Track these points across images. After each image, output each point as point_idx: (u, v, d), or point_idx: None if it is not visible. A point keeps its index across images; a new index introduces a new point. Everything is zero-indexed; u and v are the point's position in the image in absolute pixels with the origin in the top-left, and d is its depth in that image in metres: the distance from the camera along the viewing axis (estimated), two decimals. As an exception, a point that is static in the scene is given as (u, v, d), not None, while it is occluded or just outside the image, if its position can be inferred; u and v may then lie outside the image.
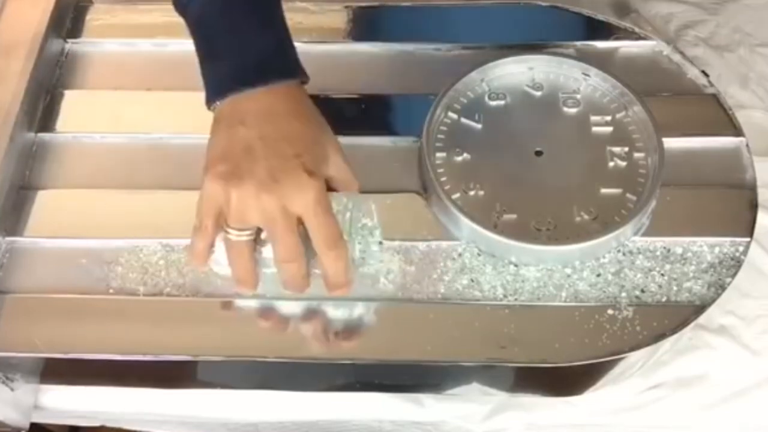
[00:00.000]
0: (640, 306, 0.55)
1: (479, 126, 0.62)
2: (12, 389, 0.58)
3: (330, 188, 0.51)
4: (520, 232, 0.57)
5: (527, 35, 0.69)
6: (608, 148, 0.60)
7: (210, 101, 0.52)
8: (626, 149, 0.60)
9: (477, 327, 0.55)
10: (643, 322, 0.54)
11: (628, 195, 0.58)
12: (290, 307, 0.56)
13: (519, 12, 0.71)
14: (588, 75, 0.64)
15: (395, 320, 0.56)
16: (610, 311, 0.55)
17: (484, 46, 0.68)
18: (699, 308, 0.55)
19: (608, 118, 0.62)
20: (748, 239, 0.57)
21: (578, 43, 0.68)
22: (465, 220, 0.57)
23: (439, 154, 0.60)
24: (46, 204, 0.61)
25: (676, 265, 0.57)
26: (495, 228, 0.56)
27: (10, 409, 0.59)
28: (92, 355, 0.55)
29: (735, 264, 0.57)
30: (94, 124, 0.65)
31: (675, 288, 0.56)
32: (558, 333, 0.54)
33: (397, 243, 0.57)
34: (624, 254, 0.57)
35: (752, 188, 0.60)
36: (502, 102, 0.63)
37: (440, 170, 0.59)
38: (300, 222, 0.49)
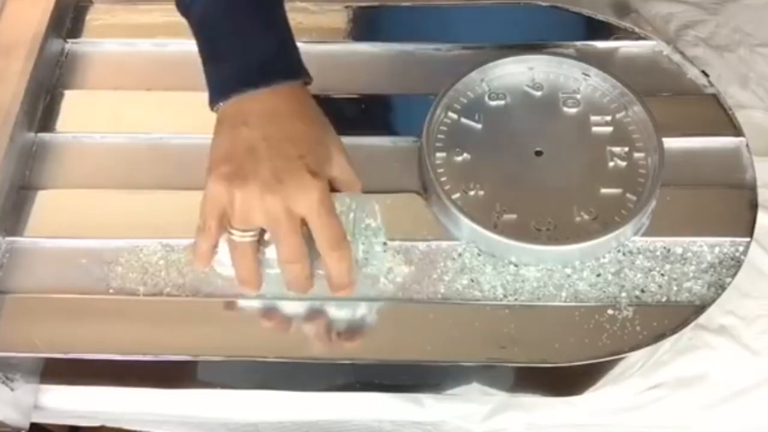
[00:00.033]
0: (640, 306, 0.55)
1: (479, 126, 0.62)
2: (12, 389, 0.58)
3: (333, 189, 0.51)
4: (520, 232, 0.57)
5: (527, 35, 0.69)
6: (608, 148, 0.60)
7: (213, 102, 0.52)
8: (626, 149, 0.60)
9: (477, 327, 0.55)
10: (643, 322, 0.54)
11: (628, 195, 0.58)
12: (290, 308, 0.56)
13: (519, 12, 0.71)
14: (588, 75, 0.64)
15: (395, 320, 0.56)
16: (610, 311, 0.55)
17: (484, 46, 0.68)
18: (699, 308, 0.55)
19: (608, 118, 0.62)
20: (748, 239, 0.57)
21: (578, 43, 0.68)
22: (465, 220, 0.57)
23: (439, 154, 0.60)
24: (46, 204, 0.61)
25: (676, 265, 0.57)
26: (495, 228, 0.56)
27: (10, 409, 0.59)
28: (92, 355, 0.55)
29: (735, 264, 0.57)
30: (94, 124, 0.65)
31: (675, 288, 0.56)
32: (558, 333, 0.54)
33: (397, 243, 0.57)
34: (624, 254, 0.57)
35: (752, 188, 0.60)
36: (502, 102, 0.63)
37: (440, 170, 0.59)
38: (303, 223, 0.49)
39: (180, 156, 0.63)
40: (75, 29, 0.70)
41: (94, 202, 0.61)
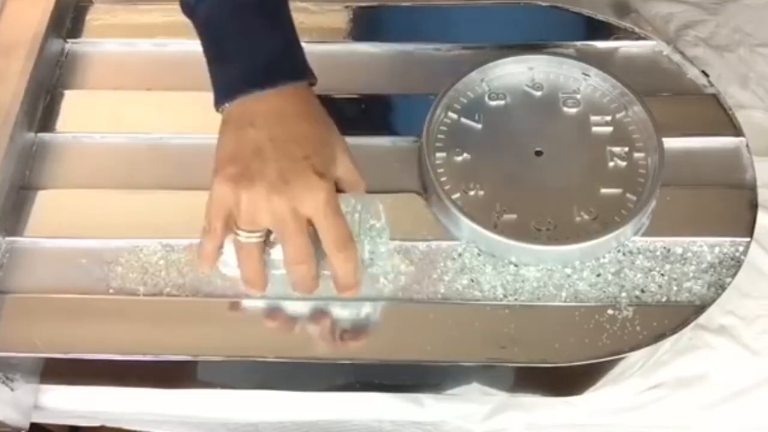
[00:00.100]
0: (640, 306, 0.55)
1: (479, 126, 0.62)
2: (12, 389, 0.58)
3: (338, 189, 0.51)
4: (520, 232, 0.57)
5: (527, 35, 0.69)
6: (608, 148, 0.60)
7: (219, 103, 0.52)
8: (626, 149, 0.60)
9: (477, 327, 0.55)
10: (643, 322, 0.54)
11: (628, 195, 0.58)
12: (290, 308, 0.56)
13: (519, 12, 0.71)
14: (588, 75, 0.64)
15: (395, 320, 0.56)
16: (610, 311, 0.55)
17: (484, 46, 0.68)
18: (699, 308, 0.55)
19: (608, 118, 0.62)
20: (748, 239, 0.57)
21: (578, 43, 0.68)
22: (465, 220, 0.57)
23: (439, 154, 0.60)
24: (46, 204, 0.61)
25: (676, 265, 0.57)
26: (495, 228, 0.56)
27: (10, 409, 0.59)
28: (92, 355, 0.55)
29: (735, 264, 0.57)
30: (94, 124, 0.65)
31: (675, 288, 0.56)
32: (558, 333, 0.54)
33: (397, 243, 0.57)
34: (624, 254, 0.57)
35: (752, 188, 0.60)
36: (502, 102, 0.63)
37: (440, 170, 0.59)
38: (309, 223, 0.49)
39: (180, 156, 0.63)
40: (75, 29, 0.70)
41: (94, 202, 0.61)
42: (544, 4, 0.70)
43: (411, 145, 0.62)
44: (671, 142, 0.60)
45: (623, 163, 0.60)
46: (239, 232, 0.50)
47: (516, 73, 0.64)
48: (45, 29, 0.66)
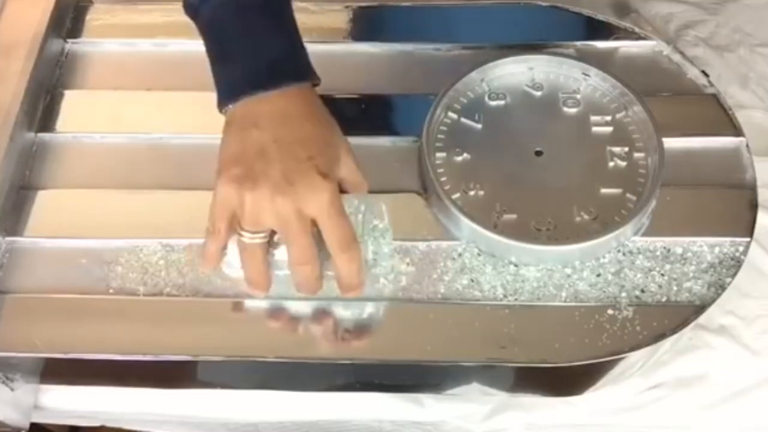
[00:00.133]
0: (640, 306, 0.55)
1: (479, 126, 0.62)
2: (12, 389, 0.58)
3: (341, 190, 0.51)
4: (520, 232, 0.57)
5: (527, 35, 0.69)
6: (608, 148, 0.60)
7: (222, 104, 0.52)
8: (626, 149, 0.60)
9: (477, 327, 0.55)
10: (643, 322, 0.54)
11: (628, 195, 0.58)
12: (290, 308, 0.56)
13: (519, 12, 0.71)
14: (588, 75, 0.64)
15: (395, 320, 0.56)
16: (610, 311, 0.55)
17: (484, 46, 0.68)
18: (699, 308, 0.55)
19: (608, 118, 0.62)
20: (748, 239, 0.57)
21: (578, 43, 0.68)
22: (465, 220, 0.57)
23: (439, 154, 0.60)
24: (46, 204, 0.61)
25: (676, 265, 0.57)
26: (495, 228, 0.56)
27: (10, 409, 0.59)
28: (92, 355, 0.55)
29: (735, 264, 0.57)
30: (94, 124, 0.65)
31: (675, 288, 0.56)
32: (558, 333, 0.54)
33: (397, 243, 0.57)
34: (624, 254, 0.57)
35: (752, 188, 0.60)
36: (502, 102, 0.63)
37: (440, 170, 0.59)
38: (313, 224, 0.49)
39: (180, 156, 0.63)
40: (75, 29, 0.70)
41: (94, 202, 0.61)
42: (544, 4, 0.70)
43: (411, 145, 0.62)
44: (671, 142, 0.60)
45: (623, 163, 0.60)
46: (243, 233, 0.50)
47: (516, 73, 0.64)
48: (45, 29, 0.66)
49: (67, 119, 0.65)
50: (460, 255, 0.57)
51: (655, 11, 0.80)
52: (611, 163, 0.60)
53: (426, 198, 0.60)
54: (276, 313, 0.56)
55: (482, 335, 0.54)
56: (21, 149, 0.62)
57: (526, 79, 0.64)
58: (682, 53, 0.67)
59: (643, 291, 0.56)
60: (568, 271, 0.57)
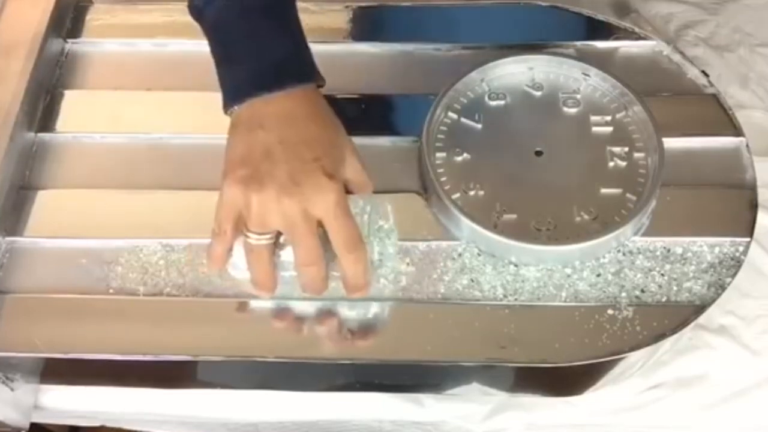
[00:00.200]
0: (640, 306, 0.55)
1: (479, 126, 0.62)
2: (12, 389, 0.58)
3: (346, 190, 0.51)
4: (520, 232, 0.57)
5: (527, 35, 0.69)
6: (608, 148, 0.60)
7: (227, 105, 0.52)
8: (626, 149, 0.60)
9: (477, 327, 0.55)
10: (643, 322, 0.54)
11: (628, 195, 0.58)
12: (291, 308, 0.56)
13: (519, 12, 0.71)
14: (588, 75, 0.64)
15: (395, 320, 0.56)
16: (610, 311, 0.55)
17: (484, 46, 0.68)
18: (699, 308, 0.55)
19: (608, 118, 0.62)
20: (748, 239, 0.57)
21: (578, 43, 0.68)
22: (465, 220, 0.57)
23: (439, 154, 0.60)
24: (46, 204, 0.61)
25: (676, 265, 0.57)
26: (495, 228, 0.56)
27: (10, 409, 0.59)
28: (92, 355, 0.55)
29: (735, 264, 0.57)
30: (94, 124, 0.65)
31: (675, 288, 0.56)
32: (558, 333, 0.54)
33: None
34: (624, 254, 0.57)
35: (752, 188, 0.60)
36: (502, 102, 0.63)
37: (440, 170, 0.59)
38: (319, 225, 0.49)
39: (180, 156, 0.63)
40: (75, 29, 0.70)
41: (94, 202, 0.61)
42: (544, 4, 0.70)
43: (411, 145, 0.62)
44: (671, 142, 0.60)
45: (623, 163, 0.60)
46: (249, 234, 0.50)
47: (516, 73, 0.64)
48: (45, 29, 0.66)
49: (67, 119, 0.65)
50: (460, 255, 0.57)
51: (655, 11, 0.80)
52: (611, 163, 0.60)
53: (426, 198, 0.60)
54: (276, 313, 0.56)
55: (482, 335, 0.54)
56: (21, 149, 0.62)
57: (526, 79, 0.64)
58: (682, 53, 0.67)
59: (643, 291, 0.56)
60: (568, 271, 0.57)
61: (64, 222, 0.60)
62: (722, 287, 0.56)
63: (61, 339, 0.55)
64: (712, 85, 0.65)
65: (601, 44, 0.68)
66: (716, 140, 0.62)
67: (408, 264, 0.57)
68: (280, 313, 0.56)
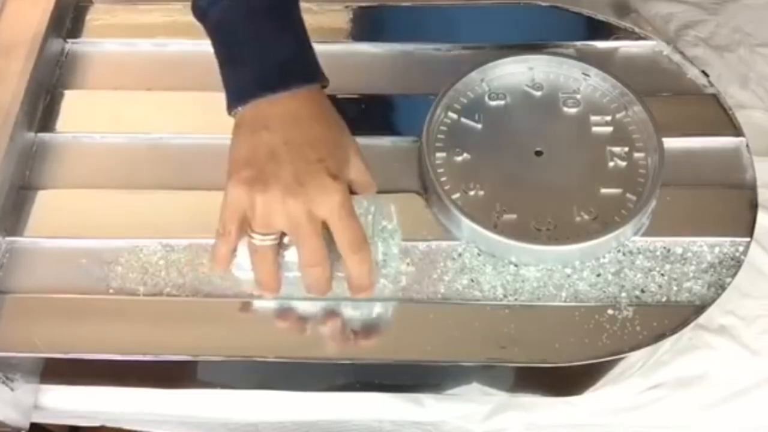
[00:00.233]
0: (640, 306, 0.55)
1: (479, 126, 0.62)
2: (12, 389, 0.58)
3: (350, 191, 0.51)
4: (520, 232, 0.57)
5: (527, 35, 0.69)
6: (608, 148, 0.60)
7: (231, 106, 0.52)
8: (626, 149, 0.60)
9: (477, 327, 0.55)
10: (643, 322, 0.54)
11: (628, 195, 0.58)
12: (291, 308, 0.56)
13: (519, 12, 0.71)
14: (588, 75, 0.64)
15: (395, 320, 0.56)
16: (610, 311, 0.55)
17: (484, 46, 0.68)
18: (699, 308, 0.55)
19: (608, 118, 0.62)
20: (748, 239, 0.57)
21: (578, 43, 0.68)
22: (465, 220, 0.57)
23: (439, 154, 0.60)
24: (46, 204, 0.61)
25: (676, 265, 0.57)
26: (495, 228, 0.56)
27: (10, 409, 0.59)
28: (92, 355, 0.55)
29: (735, 264, 0.57)
30: (94, 124, 0.65)
31: (675, 288, 0.56)
32: (558, 333, 0.54)
33: (397, 243, 0.58)
34: (624, 254, 0.57)
35: (752, 188, 0.60)
36: (502, 102, 0.63)
37: (440, 170, 0.59)
38: (324, 225, 0.49)
39: (180, 156, 0.63)
40: (75, 29, 0.70)
41: (94, 202, 0.61)
42: (544, 4, 0.70)
43: (411, 145, 0.62)
44: (671, 142, 0.60)
45: (623, 163, 0.60)
46: (254, 235, 0.49)
47: (516, 73, 0.64)
48: (45, 29, 0.66)
49: (67, 119, 0.65)
50: (460, 255, 0.57)
51: (655, 11, 0.80)
52: (611, 163, 0.60)
53: (426, 198, 0.60)
54: (277, 313, 0.56)
55: (482, 335, 0.54)
56: (21, 149, 0.62)
57: (526, 79, 0.64)
58: (682, 53, 0.67)
59: (643, 291, 0.56)
60: (568, 271, 0.57)
61: (64, 222, 0.60)
62: (722, 287, 0.56)
63: (61, 339, 0.55)
64: (712, 85, 0.65)
65: (601, 44, 0.68)
66: (716, 140, 0.62)
67: (408, 264, 0.57)
68: (281, 313, 0.56)
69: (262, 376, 0.62)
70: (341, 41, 0.69)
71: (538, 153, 0.60)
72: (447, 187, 0.58)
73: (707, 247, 0.57)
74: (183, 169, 0.62)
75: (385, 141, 0.63)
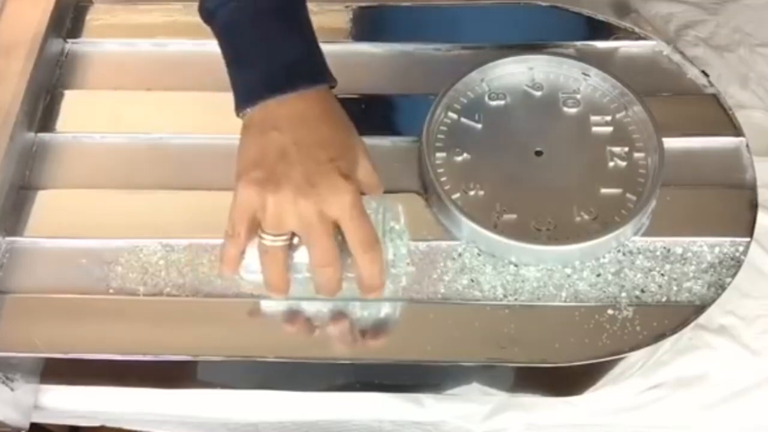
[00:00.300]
0: (640, 306, 0.55)
1: (479, 126, 0.62)
2: (12, 389, 0.58)
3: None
4: (520, 232, 0.57)
5: (527, 35, 0.69)
6: (608, 148, 0.60)
7: (240, 108, 0.51)
8: (626, 149, 0.60)
9: (477, 327, 0.55)
10: (643, 322, 0.54)
11: (628, 195, 0.58)
12: (291, 308, 0.56)
13: (519, 12, 0.71)
14: (588, 75, 0.64)
15: (395, 320, 0.56)
16: (610, 311, 0.55)
17: (484, 46, 0.68)
18: (699, 308, 0.55)
19: (608, 118, 0.62)
20: (748, 239, 0.57)
21: (578, 43, 0.68)
22: (465, 220, 0.57)
23: (439, 154, 0.60)
24: (46, 204, 0.61)
25: (676, 265, 0.57)
26: (495, 228, 0.56)
27: (10, 409, 0.59)
28: (92, 355, 0.55)
29: (735, 264, 0.57)
30: (94, 124, 0.65)
31: (675, 288, 0.56)
32: (558, 333, 0.54)
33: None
34: (624, 254, 0.57)
35: (752, 188, 0.60)
36: (502, 102, 0.63)
37: (440, 170, 0.59)
38: (335, 226, 0.49)
39: (180, 156, 0.63)
40: (75, 29, 0.70)
41: (94, 202, 0.61)
42: (544, 4, 0.70)
43: (411, 145, 0.62)
44: (671, 142, 0.60)
45: (623, 163, 0.60)
46: (264, 235, 0.49)
47: (516, 73, 0.64)
48: (45, 29, 0.66)
49: (67, 119, 0.65)
50: (460, 255, 0.57)
51: (655, 11, 0.80)
52: (611, 163, 0.60)
53: (426, 198, 0.60)
54: (277, 313, 0.56)
55: (482, 335, 0.54)
56: (21, 149, 0.62)
57: (526, 79, 0.64)
58: (682, 53, 0.67)
59: (643, 291, 0.56)
60: (568, 271, 0.57)
61: (64, 222, 0.60)
62: (722, 287, 0.56)
63: (61, 339, 0.55)
64: (712, 85, 0.65)
65: (601, 44, 0.68)
66: (716, 140, 0.62)
67: (408, 264, 0.57)
68: (282, 313, 0.56)
69: (262, 376, 0.62)
70: (341, 41, 0.69)
71: (538, 153, 0.61)
72: (447, 187, 0.58)
73: (707, 247, 0.57)
74: (183, 169, 0.62)
75: (385, 141, 0.63)
